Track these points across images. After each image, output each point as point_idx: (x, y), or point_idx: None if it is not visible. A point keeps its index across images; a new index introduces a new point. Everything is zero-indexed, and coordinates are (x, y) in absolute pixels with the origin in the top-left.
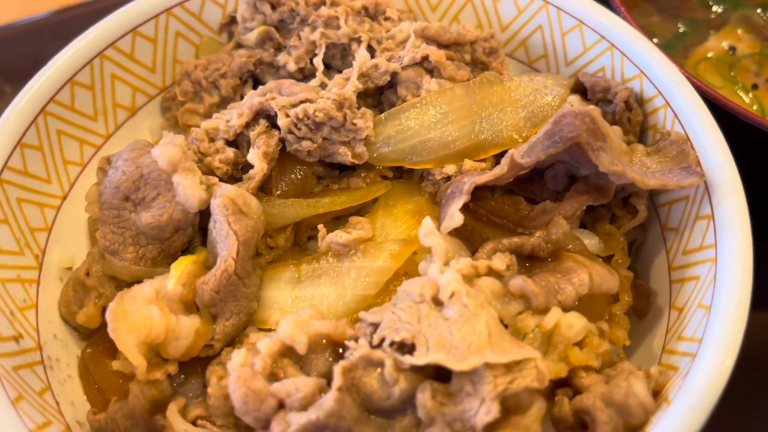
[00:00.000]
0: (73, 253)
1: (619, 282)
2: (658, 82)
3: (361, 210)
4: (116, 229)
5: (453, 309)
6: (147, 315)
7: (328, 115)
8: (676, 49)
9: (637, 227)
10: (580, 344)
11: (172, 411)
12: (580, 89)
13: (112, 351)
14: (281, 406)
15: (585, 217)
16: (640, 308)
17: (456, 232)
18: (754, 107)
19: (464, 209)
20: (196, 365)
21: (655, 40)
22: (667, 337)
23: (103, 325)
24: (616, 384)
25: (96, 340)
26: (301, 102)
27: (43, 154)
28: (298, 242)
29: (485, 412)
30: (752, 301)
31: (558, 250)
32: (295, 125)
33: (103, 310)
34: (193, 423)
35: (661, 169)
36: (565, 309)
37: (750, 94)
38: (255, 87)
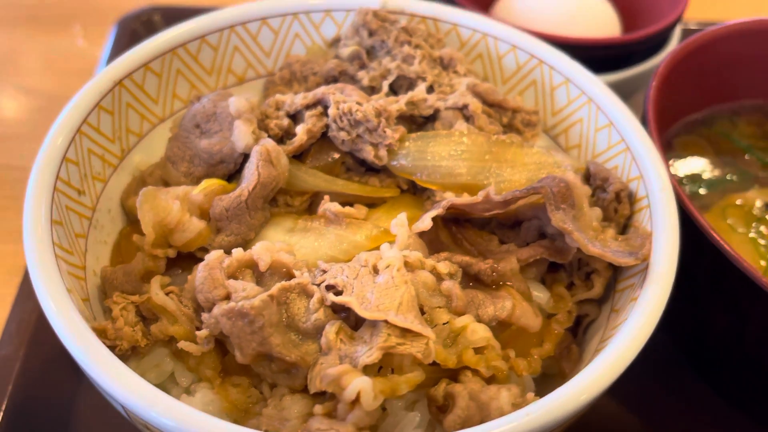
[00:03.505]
0: (151, 161)
1: (543, 329)
2: (649, 185)
3: (368, 206)
4: (182, 146)
5: (383, 277)
6: (169, 204)
7: (366, 117)
8: (716, 189)
9: (593, 304)
10: (478, 352)
11: (155, 280)
12: (587, 174)
13: (142, 233)
14: (228, 297)
15: (546, 276)
16: (566, 372)
17: (429, 243)
18: (762, 262)
19: (446, 231)
20: (191, 266)
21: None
22: None
23: None
24: (488, 388)
25: (135, 224)
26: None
27: (160, 81)
28: (310, 210)
29: (368, 355)
30: None
31: (502, 285)
32: (340, 117)
33: None
34: (166, 294)
35: (611, 247)
36: (480, 323)
37: (761, 248)
38: None
